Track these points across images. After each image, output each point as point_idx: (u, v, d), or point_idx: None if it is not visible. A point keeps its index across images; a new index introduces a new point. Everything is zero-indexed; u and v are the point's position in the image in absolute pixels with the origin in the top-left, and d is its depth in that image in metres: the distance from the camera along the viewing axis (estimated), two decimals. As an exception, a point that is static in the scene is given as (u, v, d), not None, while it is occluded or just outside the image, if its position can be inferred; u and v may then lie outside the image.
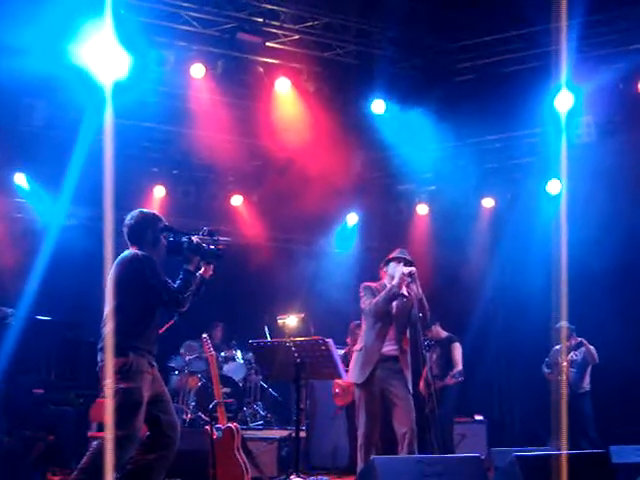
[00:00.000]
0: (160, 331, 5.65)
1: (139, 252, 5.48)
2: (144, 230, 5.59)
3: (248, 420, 10.87)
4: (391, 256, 7.15)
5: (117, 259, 5.46)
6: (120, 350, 5.24)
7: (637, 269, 10.77)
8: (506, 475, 5.49)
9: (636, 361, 10.51)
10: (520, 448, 6.80)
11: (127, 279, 5.39)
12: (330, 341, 6.77)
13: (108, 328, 5.29)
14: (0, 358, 7.45)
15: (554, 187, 11.28)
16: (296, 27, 10.19)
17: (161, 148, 11.84)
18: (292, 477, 6.79)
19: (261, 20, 9.94)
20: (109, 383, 5.16)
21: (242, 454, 7.37)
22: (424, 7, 9.90)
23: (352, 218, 13.19)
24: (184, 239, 5.62)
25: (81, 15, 8.40)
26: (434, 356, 9.82)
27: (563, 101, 9.92)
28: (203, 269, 5.64)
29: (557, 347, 10.07)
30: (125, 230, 5.60)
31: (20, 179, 11.19)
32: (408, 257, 7.11)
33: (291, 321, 10.44)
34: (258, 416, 11.15)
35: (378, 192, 13.02)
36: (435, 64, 10.67)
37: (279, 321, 10.44)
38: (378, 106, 10.94)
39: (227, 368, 11.24)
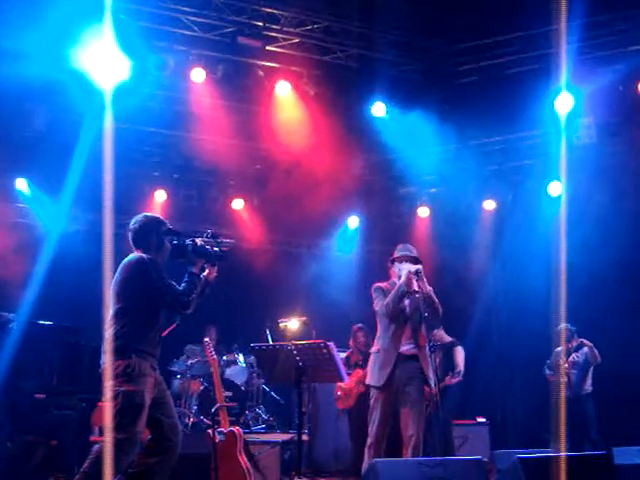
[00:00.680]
0: (162, 335, 5.67)
1: (144, 255, 5.51)
2: (149, 234, 5.61)
3: (250, 423, 10.86)
4: (395, 255, 7.13)
5: (122, 262, 5.50)
6: (123, 352, 5.27)
7: (638, 270, 10.75)
8: (508, 477, 5.49)
9: (639, 362, 10.49)
10: (523, 450, 6.78)
11: (132, 282, 5.43)
12: (331, 344, 6.77)
13: (111, 331, 5.32)
14: (1, 363, 7.44)
15: (555, 189, 11.29)
16: (296, 31, 10.20)
17: (162, 152, 11.87)
18: (294, 480, 6.79)
19: (261, 24, 9.94)
20: (110, 385, 5.17)
21: (244, 458, 7.37)
22: (424, 10, 9.90)
23: (353, 221, 13.20)
24: (188, 242, 5.67)
25: (81, 20, 8.40)
26: (437, 359, 9.82)
27: (563, 103, 9.92)
28: (207, 271, 5.67)
29: (558, 349, 10.06)
30: (130, 234, 5.63)
31: (21, 184, 11.21)
32: (412, 253, 7.10)
33: (293, 324, 10.43)
34: (260, 419, 11.15)
35: (379, 195, 13.03)
36: (435, 67, 10.67)
37: (280, 324, 10.43)
38: (379, 109, 10.96)
39: (229, 372, 11.24)
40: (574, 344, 10.13)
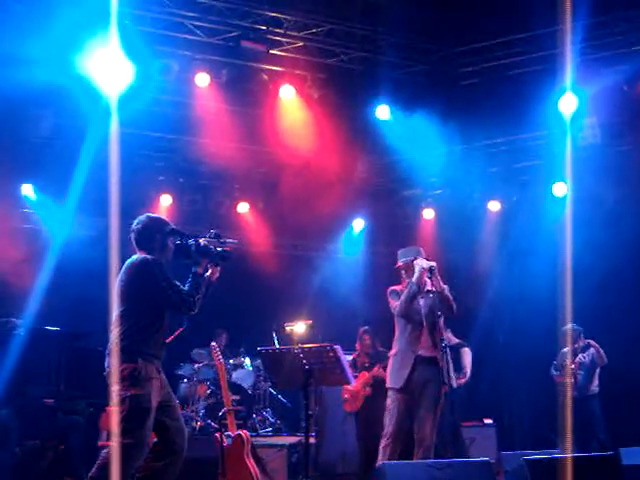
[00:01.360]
0: (169, 339, 5.66)
1: (148, 256, 5.47)
2: (153, 234, 5.58)
3: (257, 427, 10.88)
4: (398, 264, 7.09)
5: (126, 263, 5.45)
6: (128, 356, 5.23)
7: (643, 270, 10.76)
8: (516, 478, 5.49)
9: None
10: (530, 452, 6.77)
11: (137, 283, 5.39)
12: (338, 347, 6.76)
13: (116, 333, 5.29)
14: (9, 368, 7.47)
15: (560, 189, 11.29)
16: (300, 34, 10.20)
17: (167, 157, 11.88)
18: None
19: (265, 28, 9.94)
20: (117, 390, 5.15)
21: (252, 461, 7.37)
22: (427, 12, 9.89)
23: (359, 223, 13.21)
24: (191, 242, 5.61)
25: (87, 26, 8.43)
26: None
27: (567, 103, 9.92)
28: (210, 271, 5.60)
29: (565, 349, 10.06)
30: (133, 235, 5.58)
31: (27, 189, 11.24)
32: (422, 255, 7.01)
33: (299, 328, 10.45)
34: (267, 423, 11.16)
35: (384, 197, 13.04)
36: (439, 68, 10.66)
37: (287, 328, 10.45)
38: (383, 111, 10.97)
39: (236, 375, 11.26)
40: (580, 344, 10.12)
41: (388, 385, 6.95)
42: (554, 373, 10.35)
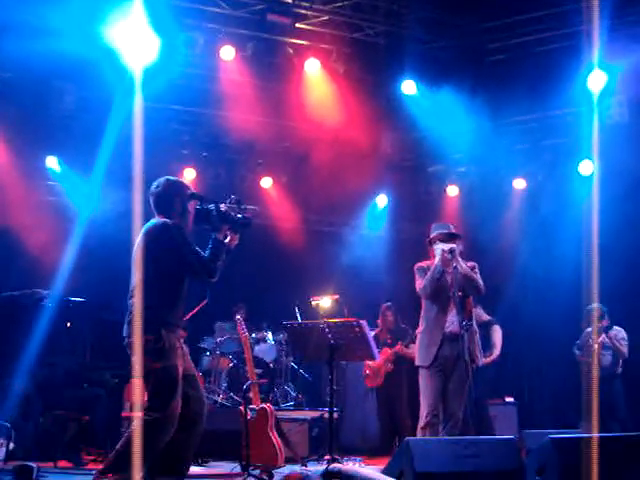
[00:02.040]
0: (192, 313, 5.63)
1: (168, 220, 5.32)
2: (172, 198, 5.43)
3: (279, 401, 10.93)
4: (431, 237, 6.98)
5: (144, 228, 5.28)
6: (151, 327, 5.07)
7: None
8: (540, 457, 5.47)
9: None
10: (552, 430, 6.75)
11: (157, 249, 5.21)
12: (364, 322, 6.77)
13: (137, 302, 5.11)
14: (36, 339, 7.52)
15: (586, 168, 11.18)
16: (325, 8, 10.13)
17: (191, 130, 11.85)
18: (326, 457, 6.82)
19: (290, 1, 9.88)
20: (140, 362, 4.97)
21: (276, 434, 7.40)
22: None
23: (382, 199, 13.16)
24: (212, 207, 5.48)
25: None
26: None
27: (596, 80, 9.80)
28: (229, 238, 5.48)
29: (589, 329, 10.00)
30: (152, 198, 5.43)
31: (52, 162, 11.27)
32: (445, 230, 6.94)
33: (325, 302, 10.41)
34: (289, 397, 11.21)
35: (408, 173, 12.96)
36: (466, 44, 10.55)
37: (313, 302, 10.43)
38: (409, 86, 10.89)
39: (258, 349, 11.30)
40: (604, 324, 10.06)
41: (417, 363, 6.85)
42: (577, 353, 10.30)
